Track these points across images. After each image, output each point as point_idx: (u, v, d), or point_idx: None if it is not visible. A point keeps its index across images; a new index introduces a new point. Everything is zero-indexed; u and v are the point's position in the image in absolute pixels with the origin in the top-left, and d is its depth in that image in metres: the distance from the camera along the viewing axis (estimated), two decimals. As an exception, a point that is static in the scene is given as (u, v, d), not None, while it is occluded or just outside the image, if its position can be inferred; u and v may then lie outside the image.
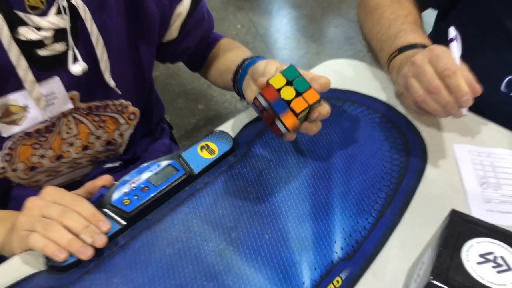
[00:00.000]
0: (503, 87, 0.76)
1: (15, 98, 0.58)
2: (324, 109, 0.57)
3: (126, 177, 0.59)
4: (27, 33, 0.55)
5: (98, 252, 0.52)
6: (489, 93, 0.76)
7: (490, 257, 0.41)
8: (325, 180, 0.62)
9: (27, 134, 0.62)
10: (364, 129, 0.70)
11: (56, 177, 0.71)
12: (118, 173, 0.78)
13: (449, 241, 0.42)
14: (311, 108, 0.56)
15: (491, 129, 0.72)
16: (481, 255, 0.41)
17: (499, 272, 0.39)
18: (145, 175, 0.59)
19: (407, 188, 0.62)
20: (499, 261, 0.40)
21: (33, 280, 0.50)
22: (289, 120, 0.55)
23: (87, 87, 0.64)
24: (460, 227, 0.43)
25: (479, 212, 0.59)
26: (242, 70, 0.71)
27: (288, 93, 0.55)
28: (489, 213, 0.59)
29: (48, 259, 0.50)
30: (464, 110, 0.62)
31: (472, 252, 0.41)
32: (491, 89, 0.76)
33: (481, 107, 0.70)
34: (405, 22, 0.76)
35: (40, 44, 0.57)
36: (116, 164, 0.77)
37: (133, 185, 0.58)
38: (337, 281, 0.51)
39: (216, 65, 0.82)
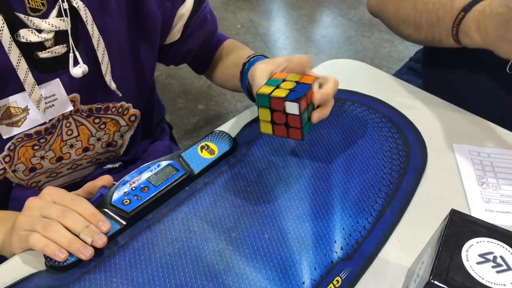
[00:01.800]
0: (508, 68, 0.75)
1: (15, 100, 0.58)
2: (322, 90, 0.58)
3: (126, 177, 0.59)
4: (27, 35, 0.55)
5: (98, 252, 0.52)
6: (495, 75, 0.75)
7: (490, 257, 0.40)
8: (325, 180, 0.62)
9: (27, 136, 0.62)
10: (364, 129, 0.71)
11: (56, 178, 0.71)
12: (118, 173, 0.78)
13: (449, 241, 0.42)
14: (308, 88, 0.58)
15: (491, 129, 0.72)
16: (481, 255, 0.41)
17: (498, 272, 0.39)
18: (145, 175, 0.59)
19: (407, 188, 0.62)
20: (499, 261, 0.40)
21: (33, 280, 0.50)
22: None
23: (88, 89, 0.64)
24: (460, 227, 0.43)
25: (479, 212, 0.59)
26: (243, 75, 0.71)
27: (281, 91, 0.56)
28: (489, 213, 0.59)
29: (48, 259, 0.50)
30: None
31: (472, 252, 0.41)
32: (497, 71, 0.75)
33: (486, 89, 0.69)
34: None
35: (40, 46, 0.57)
36: (116, 165, 0.77)
37: (133, 185, 0.58)
38: (337, 281, 0.51)
39: (221, 70, 0.82)
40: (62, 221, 0.51)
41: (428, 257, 0.44)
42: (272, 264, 0.52)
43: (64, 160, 0.69)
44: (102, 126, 0.70)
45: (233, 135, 0.68)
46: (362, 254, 0.54)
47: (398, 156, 0.66)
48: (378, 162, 0.65)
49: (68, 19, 0.57)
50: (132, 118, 0.73)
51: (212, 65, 0.84)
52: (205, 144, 0.65)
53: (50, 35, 0.56)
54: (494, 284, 0.39)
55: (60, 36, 0.58)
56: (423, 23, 0.75)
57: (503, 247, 0.41)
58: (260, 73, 0.60)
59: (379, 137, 0.69)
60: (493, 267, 0.40)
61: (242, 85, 0.72)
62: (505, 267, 0.40)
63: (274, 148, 0.67)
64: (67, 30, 0.57)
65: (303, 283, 0.50)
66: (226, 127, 0.72)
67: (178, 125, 1.86)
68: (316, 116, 0.59)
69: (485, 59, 0.66)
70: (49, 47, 0.57)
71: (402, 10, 0.78)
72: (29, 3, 0.54)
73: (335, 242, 0.55)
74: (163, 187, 0.58)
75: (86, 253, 0.50)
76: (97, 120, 0.68)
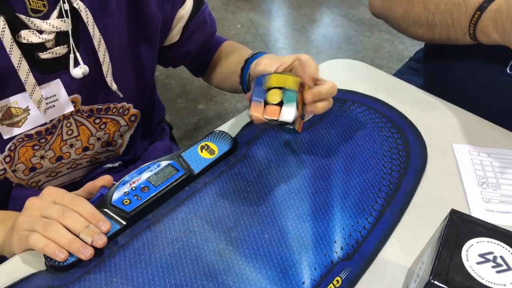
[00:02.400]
0: (508, 68, 0.75)
1: (16, 100, 0.58)
2: (317, 89, 0.58)
3: (126, 177, 0.59)
4: (28, 36, 0.55)
5: (98, 252, 0.52)
6: (495, 75, 0.75)
7: (490, 257, 0.41)
8: (325, 180, 0.62)
9: (27, 136, 0.62)
10: (364, 129, 0.71)
11: (56, 177, 0.71)
12: (118, 173, 0.78)
13: (449, 241, 0.42)
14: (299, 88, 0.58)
15: (491, 129, 0.72)
16: (481, 255, 0.41)
17: (498, 272, 0.39)
18: (145, 175, 0.59)
19: (407, 188, 0.62)
20: (499, 261, 0.40)
21: (33, 280, 0.50)
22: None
23: (89, 90, 0.64)
24: (460, 227, 0.43)
25: (479, 212, 0.59)
26: (244, 70, 0.71)
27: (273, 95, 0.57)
28: (489, 213, 0.59)
29: (48, 259, 0.50)
30: None
31: (472, 252, 0.41)
32: (497, 71, 0.75)
33: (486, 89, 0.69)
34: None
35: (41, 47, 0.57)
36: (116, 164, 0.77)
37: (133, 185, 0.58)
38: (337, 281, 0.51)
39: (220, 70, 0.82)
40: (62, 221, 0.51)
41: (428, 257, 0.44)
42: (272, 264, 0.52)
43: (64, 159, 0.69)
44: (103, 126, 0.70)
45: (233, 135, 0.68)
46: (362, 254, 0.54)
47: (398, 156, 0.66)
48: (378, 162, 0.65)
49: (69, 20, 0.57)
50: (132, 118, 0.73)
51: (210, 66, 0.84)
52: (205, 144, 0.65)
53: (51, 36, 0.57)
54: (494, 284, 0.39)
55: (61, 37, 0.58)
56: (437, 23, 0.74)
57: (503, 247, 0.41)
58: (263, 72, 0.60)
59: (379, 137, 0.69)
60: (493, 267, 0.40)
61: (241, 81, 0.72)
62: (505, 267, 0.40)
63: (274, 148, 0.67)
64: (68, 31, 0.57)
65: (303, 283, 0.50)
66: (226, 127, 0.72)
67: (178, 125, 1.86)
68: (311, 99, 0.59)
69: (486, 58, 0.65)
70: (50, 48, 0.57)
71: (412, 11, 0.77)
72: (30, 4, 0.54)
73: (335, 242, 0.55)
74: (163, 187, 0.58)
75: (86, 253, 0.50)
76: (97, 120, 0.68)
